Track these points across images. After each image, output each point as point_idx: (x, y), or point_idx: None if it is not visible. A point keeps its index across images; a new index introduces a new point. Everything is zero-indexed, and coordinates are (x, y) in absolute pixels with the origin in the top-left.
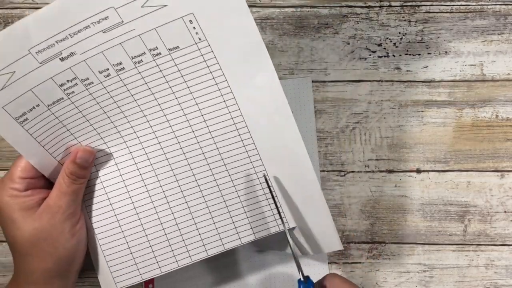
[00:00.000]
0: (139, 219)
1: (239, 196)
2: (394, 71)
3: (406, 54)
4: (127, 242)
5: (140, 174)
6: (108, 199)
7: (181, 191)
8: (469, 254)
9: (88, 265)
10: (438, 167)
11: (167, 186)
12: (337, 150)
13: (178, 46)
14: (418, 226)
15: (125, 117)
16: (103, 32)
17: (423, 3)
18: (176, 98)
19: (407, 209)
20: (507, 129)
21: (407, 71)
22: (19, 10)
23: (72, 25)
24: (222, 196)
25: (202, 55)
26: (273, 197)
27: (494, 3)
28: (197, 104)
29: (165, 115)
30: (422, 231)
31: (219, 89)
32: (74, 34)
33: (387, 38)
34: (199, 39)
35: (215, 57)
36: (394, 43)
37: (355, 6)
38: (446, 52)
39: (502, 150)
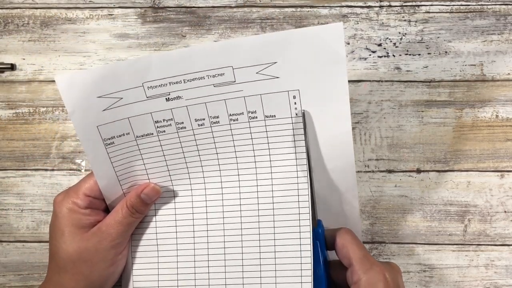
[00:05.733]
0: (177, 268)
1: (275, 271)
2: (394, 71)
3: (406, 54)
4: (158, 287)
5: (193, 225)
6: (156, 239)
7: (224, 247)
8: (469, 254)
9: None
10: (438, 167)
11: (213, 244)
12: None
13: (274, 115)
14: (418, 226)
15: (201, 166)
16: (214, 86)
17: (423, 3)
18: (255, 162)
19: (407, 209)
20: (507, 129)
21: (407, 71)
22: (19, 10)
23: (190, 72)
24: (260, 264)
25: (293, 129)
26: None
27: (494, 3)
28: (271, 173)
29: (238, 175)
30: (422, 231)
31: (296, 165)
32: (188, 80)
33: (387, 38)
34: (296, 114)
35: (304, 133)
36: (394, 43)
37: (355, 6)
38: (446, 52)
39: (502, 150)
